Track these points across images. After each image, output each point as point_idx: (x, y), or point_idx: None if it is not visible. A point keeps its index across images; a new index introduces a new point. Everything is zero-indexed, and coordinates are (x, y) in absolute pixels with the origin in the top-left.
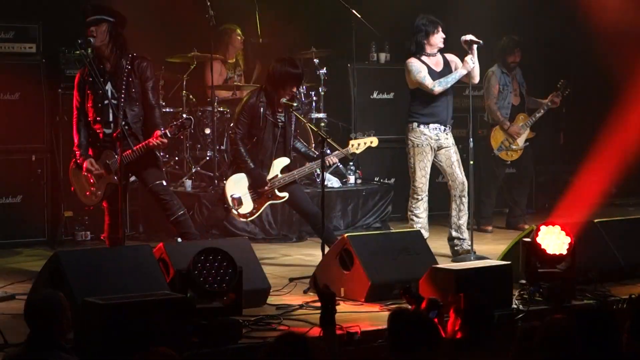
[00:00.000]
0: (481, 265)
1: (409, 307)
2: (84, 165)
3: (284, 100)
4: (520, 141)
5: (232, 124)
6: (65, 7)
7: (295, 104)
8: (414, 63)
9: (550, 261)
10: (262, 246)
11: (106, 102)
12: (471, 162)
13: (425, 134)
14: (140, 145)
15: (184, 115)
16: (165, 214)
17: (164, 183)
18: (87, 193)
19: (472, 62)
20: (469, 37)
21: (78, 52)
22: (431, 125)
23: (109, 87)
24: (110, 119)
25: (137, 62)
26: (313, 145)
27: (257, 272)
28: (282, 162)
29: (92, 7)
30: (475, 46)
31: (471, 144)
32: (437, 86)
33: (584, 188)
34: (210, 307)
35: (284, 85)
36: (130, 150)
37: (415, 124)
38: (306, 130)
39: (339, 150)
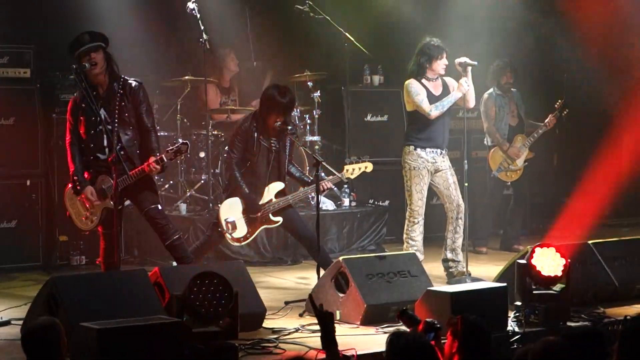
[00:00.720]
0: (477, 287)
1: (406, 329)
2: (83, 194)
3: (277, 124)
4: (520, 162)
5: (226, 148)
6: (59, 31)
7: (289, 127)
8: (413, 85)
9: (546, 283)
10: (258, 269)
11: (100, 127)
12: (465, 184)
13: (422, 157)
14: (136, 170)
15: (180, 140)
16: (160, 238)
17: (159, 207)
18: (83, 218)
19: (467, 84)
20: (463, 59)
21: (73, 77)
22: (428, 149)
23: (102, 112)
24: (105, 144)
25: (129, 85)
26: (307, 168)
27: (252, 296)
28: (276, 186)
29: (89, 34)
30: (469, 68)
31: (465, 166)
32: (434, 110)
33: (578, 209)
34: (206, 331)
35: (270, 111)
36: (125, 175)
37: (412, 147)
38: (300, 153)
39: (334, 174)
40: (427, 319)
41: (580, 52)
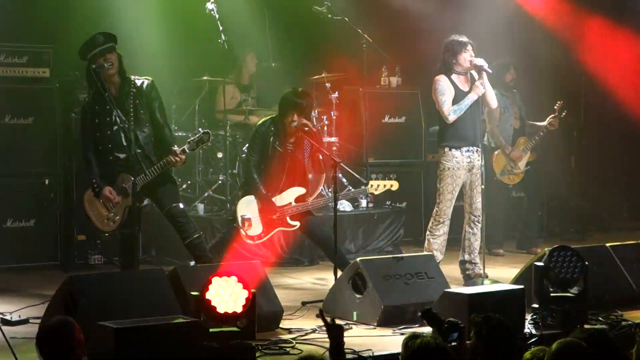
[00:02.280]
0: (494, 289)
1: (426, 329)
2: (104, 193)
3: (293, 124)
4: (522, 165)
5: (245, 149)
6: (78, 31)
7: (307, 128)
8: (441, 82)
9: (563, 285)
10: (275, 270)
11: (116, 127)
12: (482, 186)
13: (456, 157)
14: (158, 164)
15: (201, 130)
16: (180, 236)
17: (181, 205)
18: (105, 220)
19: (483, 87)
20: (480, 61)
21: (92, 77)
22: (463, 149)
23: (116, 112)
24: (123, 143)
25: (141, 83)
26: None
27: (270, 296)
28: (296, 191)
29: (103, 35)
30: (484, 73)
31: (482, 168)
32: (452, 114)
33: (596, 212)
34: (223, 331)
35: (286, 111)
36: (144, 173)
37: (447, 148)
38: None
39: (356, 178)
40: (451, 319)
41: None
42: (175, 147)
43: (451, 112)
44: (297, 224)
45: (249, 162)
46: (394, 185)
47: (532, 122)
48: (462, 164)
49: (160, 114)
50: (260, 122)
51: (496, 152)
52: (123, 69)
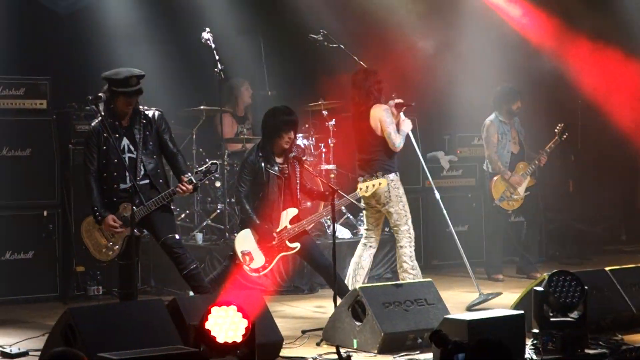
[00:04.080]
0: (494, 315)
1: (426, 356)
2: (107, 221)
3: (292, 154)
4: (521, 190)
5: (235, 182)
6: (73, 63)
7: (305, 157)
8: (388, 111)
9: (563, 310)
10: (274, 298)
11: (123, 156)
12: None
13: (399, 181)
14: (163, 195)
15: (208, 160)
16: (177, 267)
17: (177, 236)
18: (104, 249)
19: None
20: (398, 100)
21: (88, 107)
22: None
23: (125, 141)
24: (127, 173)
25: (152, 114)
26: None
27: (269, 325)
28: (290, 212)
29: (137, 77)
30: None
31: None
32: (401, 143)
33: (594, 236)
34: None
35: (280, 133)
36: (146, 204)
37: (395, 174)
38: (316, 182)
39: (348, 198)
40: (456, 339)
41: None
42: (184, 177)
43: (400, 140)
44: (297, 245)
45: (239, 193)
46: (383, 182)
47: (528, 151)
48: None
49: (173, 144)
50: (247, 153)
51: (495, 178)
52: (137, 101)
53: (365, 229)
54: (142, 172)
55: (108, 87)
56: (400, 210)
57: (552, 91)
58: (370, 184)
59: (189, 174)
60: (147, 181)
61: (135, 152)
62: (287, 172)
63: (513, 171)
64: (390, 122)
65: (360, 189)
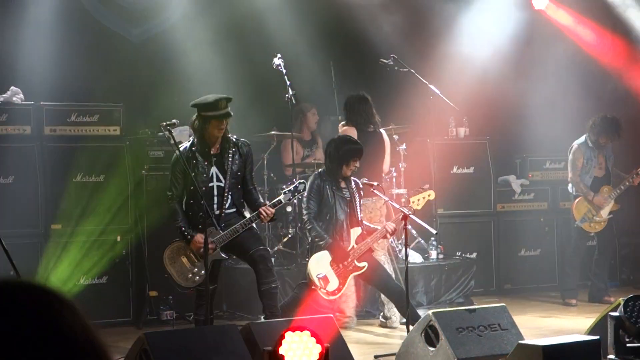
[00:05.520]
0: (569, 341)
1: None
2: (196, 239)
3: (364, 180)
4: (604, 213)
5: (302, 207)
6: (145, 89)
7: (375, 183)
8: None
9: (639, 335)
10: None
11: (211, 184)
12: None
13: None
14: (246, 219)
15: (296, 180)
16: (259, 281)
17: (269, 250)
18: (190, 274)
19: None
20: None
21: (161, 134)
22: None
23: (214, 170)
24: (215, 201)
25: (242, 145)
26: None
27: (342, 350)
28: (355, 232)
29: (226, 100)
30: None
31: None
32: None
33: None
34: None
35: (347, 161)
36: (233, 228)
37: None
38: (387, 206)
39: (423, 224)
40: None
41: None
42: (266, 202)
43: None
44: (365, 264)
45: (308, 214)
46: (431, 194)
47: (619, 171)
48: None
49: (251, 178)
50: (312, 176)
51: (577, 199)
52: (227, 128)
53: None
54: (229, 202)
55: (198, 113)
56: None
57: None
58: (420, 197)
59: (265, 202)
60: (234, 210)
61: (223, 181)
62: (350, 194)
63: (596, 193)
64: None
65: (413, 202)
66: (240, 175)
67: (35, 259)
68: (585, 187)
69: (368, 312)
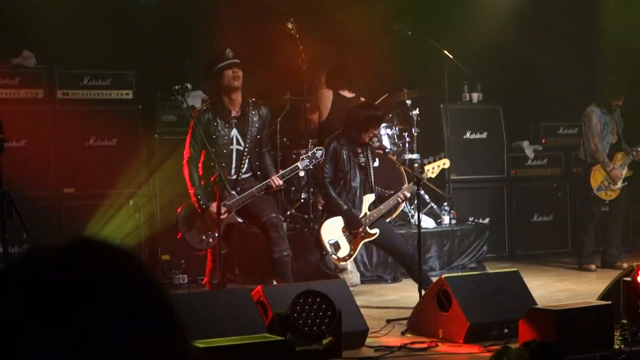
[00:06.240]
0: (582, 306)
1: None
2: (210, 210)
3: (376, 144)
4: (619, 181)
5: (318, 170)
6: (159, 54)
7: (388, 148)
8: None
9: None
10: (358, 288)
11: (231, 147)
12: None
13: None
14: (262, 184)
15: (313, 147)
16: (270, 249)
17: (281, 217)
18: (203, 236)
19: None
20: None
21: (174, 97)
22: None
23: (234, 132)
24: (234, 165)
25: (261, 108)
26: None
27: (355, 314)
28: (368, 199)
29: (232, 51)
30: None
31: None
32: None
33: None
34: (309, 350)
35: (366, 128)
36: (249, 192)
37: None
38: (400, 171)
39: (435, 188)
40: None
41: None
42: (279, 169)
43: None
44: (377, 231)
45: (323, 179)
46: (446, 162)
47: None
48: None
49: (267, 140)
50: (328, 140)
51: (594, 168)
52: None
53: None
54: (247, 166)
55: (209, 74)
56: None
57: None
58: (435, 165)
59: (274, 172)
60: (251, 174)
61: (242, 145)
62: (366, 161)
63: (611, 161)
64: None
65: (428, 170)
66: (259, 139)
67: (48, 222)
68: (606, 156)
69: (380, 276)
